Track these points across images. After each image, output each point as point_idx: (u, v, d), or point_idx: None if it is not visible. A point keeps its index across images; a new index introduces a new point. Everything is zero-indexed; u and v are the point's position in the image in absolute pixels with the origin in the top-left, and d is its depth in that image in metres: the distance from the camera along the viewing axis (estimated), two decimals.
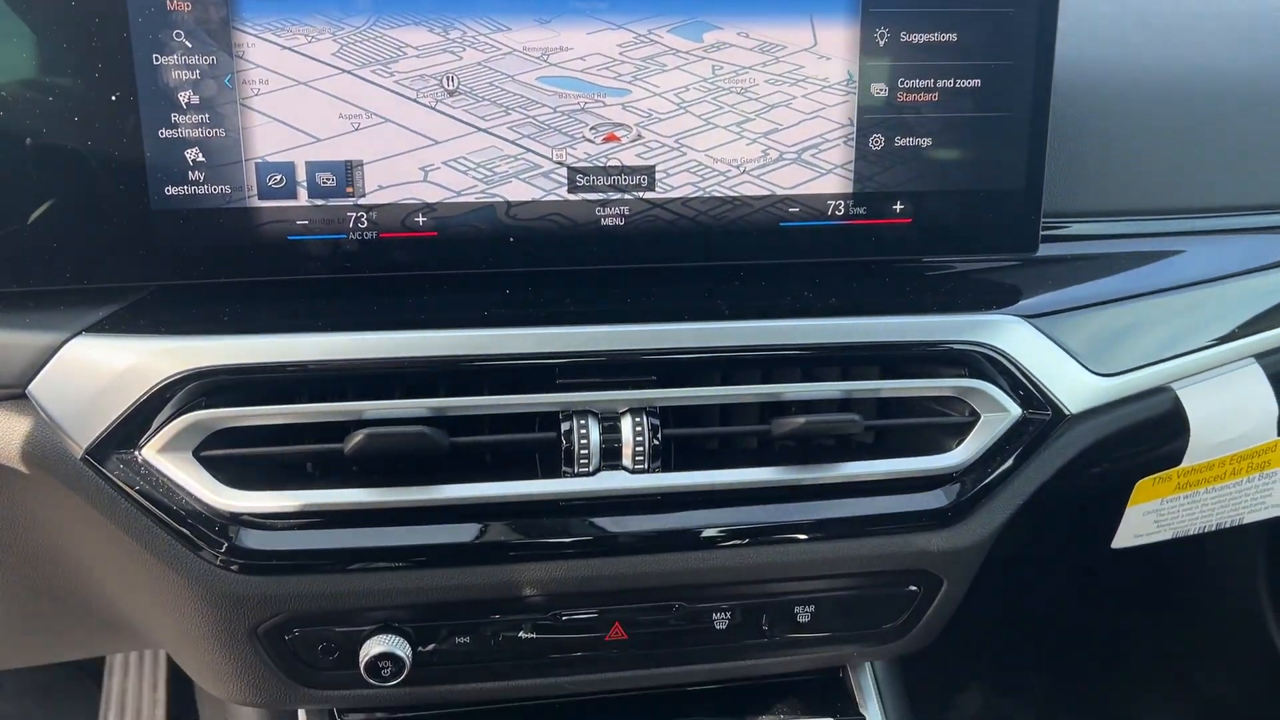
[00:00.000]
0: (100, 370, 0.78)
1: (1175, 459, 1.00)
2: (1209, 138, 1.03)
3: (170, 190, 0.79)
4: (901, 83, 0.87)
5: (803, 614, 0.91)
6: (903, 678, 1.08)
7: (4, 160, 0.76)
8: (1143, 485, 1.01)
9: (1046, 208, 0.92)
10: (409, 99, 0.82)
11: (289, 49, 0.80)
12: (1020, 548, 1.98)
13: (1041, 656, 2.05)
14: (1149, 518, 1.03)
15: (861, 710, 1.01)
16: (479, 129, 0.83)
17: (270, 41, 0.79)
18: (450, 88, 0.82)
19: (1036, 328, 0.90)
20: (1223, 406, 0.99)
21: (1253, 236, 1.02)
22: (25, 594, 0.95)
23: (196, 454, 0.79)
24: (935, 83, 0.87)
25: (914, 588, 0.93)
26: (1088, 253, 0.98)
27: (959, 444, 0.89)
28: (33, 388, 0.78)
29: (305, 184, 0.82)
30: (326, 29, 0.80)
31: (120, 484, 0.78)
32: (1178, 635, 1.91)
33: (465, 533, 0.83)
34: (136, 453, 0.78)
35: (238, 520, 0.80)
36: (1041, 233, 0.91)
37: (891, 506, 0.89)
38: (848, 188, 0.89)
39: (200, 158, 0.80)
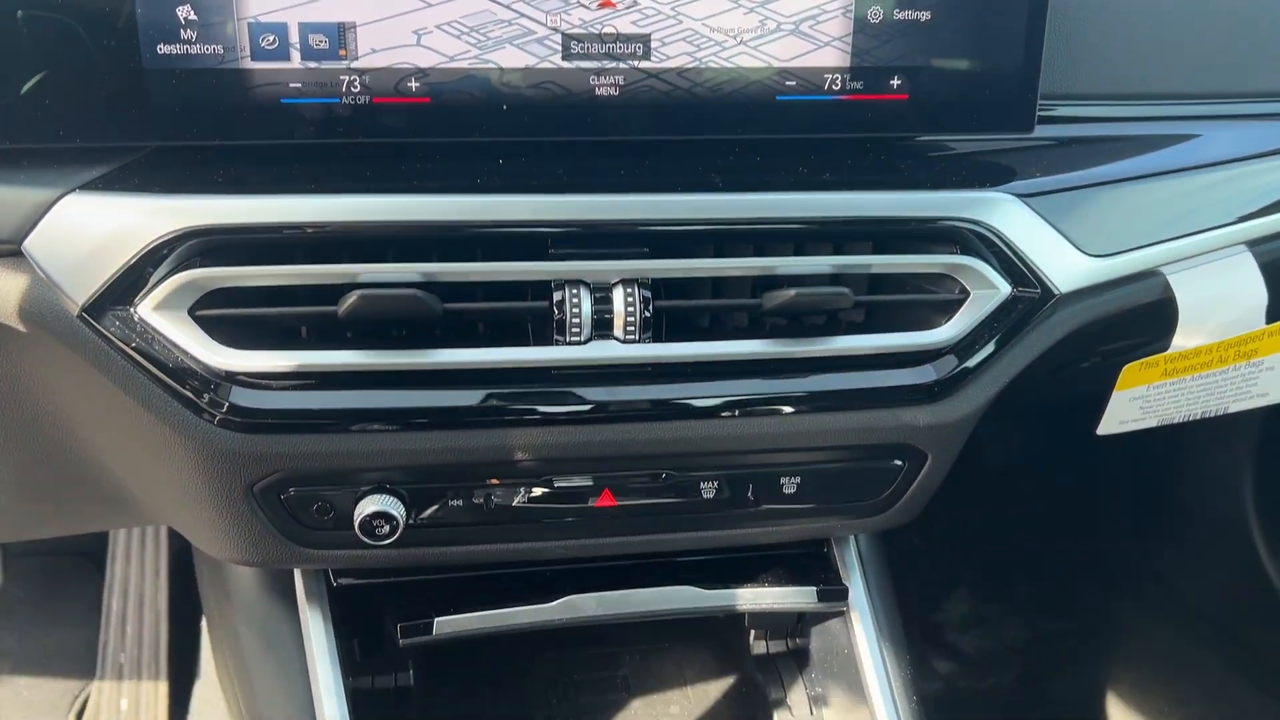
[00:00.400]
0: (95, 227, 0.78)
1: (1163, 346, 1.01)
2: (1211, 22, 1.01)
3: (162, 49, 0.79)
4: None
5: (789, 485, 0.93)
6: (885, 554, 1.10)
7: (11, 27, 0.75)
8: (1129, 370, 1.01)
9: (1045, 89, 0.91)
10: None
11: None
12: (1008, 433, 2.00)
13: (1027, 562, 2.09)
14: (1135, 404, 1.05)
15: (845, 582, 1.04)
16: None
17: None
18: None
19: (1030, 206, 0.90)
20: (1212, 293, 0.99)
21: (1251, 123, 1.02)
22: (27, 460, 0.97)
23: (192, 313, 0.79)
24: None
25: (899, 462, 0.94)
26: (1085, 135, 0.98)
27: (948, 320, 0.89)
28: (28, 244, 0.78)
29: (298, 46, 0.81)
30: None
31: (116, 341, 0.79)
32: (1162, 543, 1.95)
33: (458, 397, 0.84)
34: (132, 310, 0.79)
35: (233, 379, 0.81)
36: (1039, 114, 0.91)
37: (879, 381, 0.90)
38: (845, 61, 0.88)
39: (192, 15, 0.79)
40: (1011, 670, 1.95)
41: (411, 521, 0.87)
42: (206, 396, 0.80)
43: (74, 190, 0.78)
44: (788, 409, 0.89)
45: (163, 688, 1.70)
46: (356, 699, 0.97)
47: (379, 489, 0.86)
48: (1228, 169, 0.99)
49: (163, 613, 1.77)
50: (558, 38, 0.84)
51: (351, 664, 1.00)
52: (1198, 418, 1.08)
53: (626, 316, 0.84)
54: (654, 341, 0.85)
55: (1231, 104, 1.03)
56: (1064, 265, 0.91)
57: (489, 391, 0.84)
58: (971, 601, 2.07)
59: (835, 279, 0.87)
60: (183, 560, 1.86)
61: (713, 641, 1.20)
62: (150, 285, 0.78)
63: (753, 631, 1.15)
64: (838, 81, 0.88)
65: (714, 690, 1.15)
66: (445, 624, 0.96)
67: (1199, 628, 1.87)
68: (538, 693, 1.13)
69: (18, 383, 0.89)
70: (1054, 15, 0.90)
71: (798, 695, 1.11)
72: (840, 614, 1.05)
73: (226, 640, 1.04)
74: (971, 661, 1.97)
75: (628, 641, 1.19)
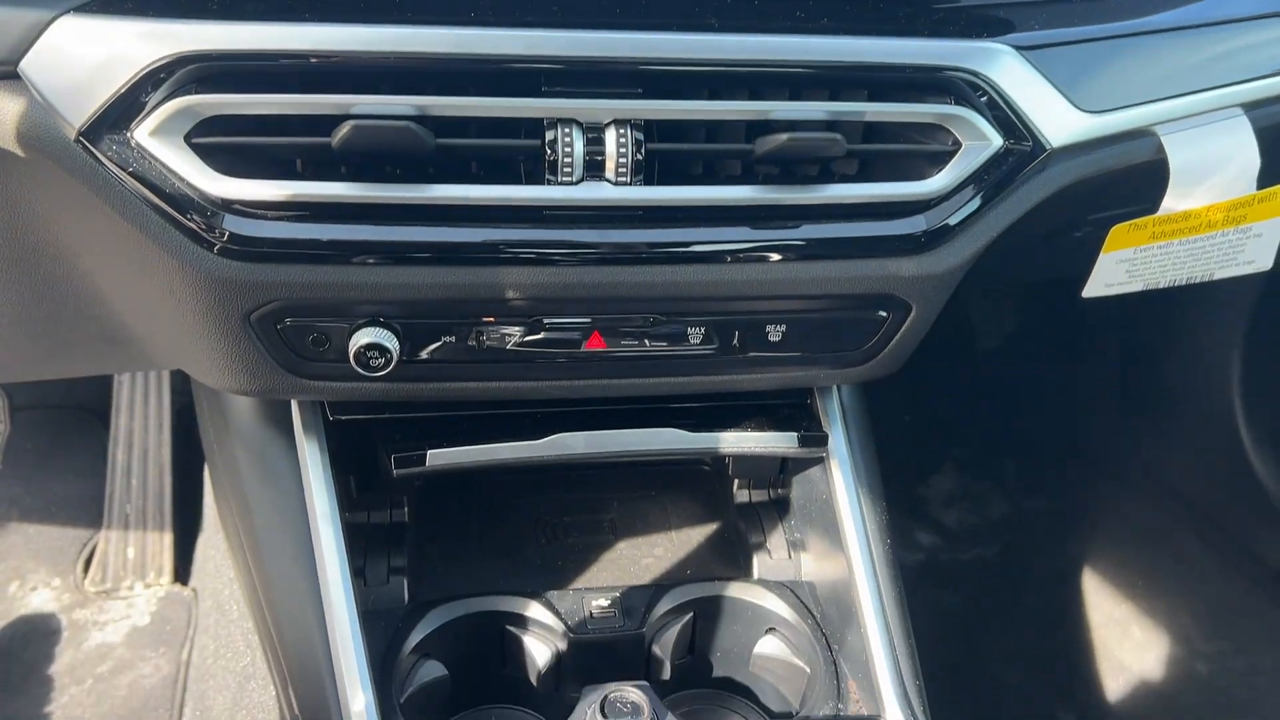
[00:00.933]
0: (91, 50, 0.78)
1: (1153, 209, 1.01)
2: None
3: None
4: None
5: (774, 334, 0.95)
6: (867, 406, 1.12)
7: None
8: (1117, 231, 1.02)
9: None
10: None
11: None
12: (1002, 314, 2.02)
13: (1014, 442, 2.13)
14: (1121, 266, 1.06)
15: (826, 430, 1.06)
16: None
17: None
18: None
19: (1025, 59, 0.90)
20: (1205, 155, 0.99)
21: None
22: (27, 293, 0.98)
23: (188, 140, 0.80)
24: None
25: (883, 313, 0.96)
26: None
27: (938, 171, 0.90)
28: (24, 65, 0.78)
29: None
30: None
31: (113, 166, 0.80)
32: (1148, 427, 1.98)
33: (450, 234, 0.85)
34: (129, 135, 0.80)
35: (229, 207, 0.82)
36: None
37: (868, 230, 0.91)
38: None
39: None
40: (993, 544, 2.00)
41: (405, 357, 0.89)
42: (203, 224, 0.82)
43: (69, 12, 0.78)
44: (776, 256, 0.90)
45: (167, 538, 1.76)
46: (352, 532, 1.01)
47: (373, 322, 0.88)
48: (1232, 29, 0.99)
49: (166, 465, 1.82)
50: None
51: (347, 500, 1.04)
52: (1183, 283, 1.09)
53: (619, 158, 0.85)
54: (645, 184, 0.86)
55: None
56: (1057, 119, 0.92)
57: (481, 228, 0.86)
58: (958, 478, 2.12)
59: (829, 126, 0.88)
60: (185, 415, 1.90)
61: (698, 490, 1.24)
62: (146, 110, 0.79)
63: (736, 481, 1.19)
64: None
65: (697, 535, 1.19)
66: (437, 456, 0.99)
67: (1175, 507, 1.91)
68: (527, 531, 1.17)
69: (17, 212, 0.90)
70: None
71: (777, 539, 1.15)
72: (820, 460, 1.08)
73: (226, 473, 1.08)
74: (955, 535, 2.03)
75: (615, 487, 1.23)
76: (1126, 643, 1.79)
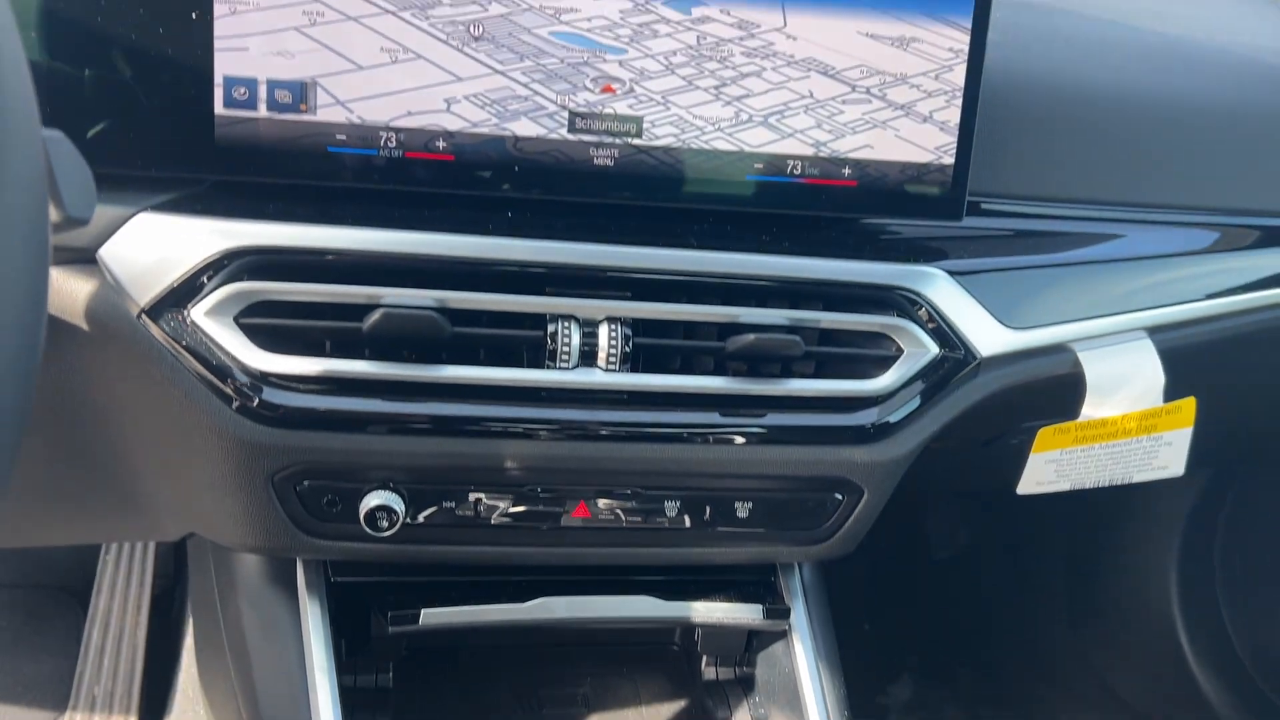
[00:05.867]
0: (162, 241, 0.92)
1: (1075, 416, 1.15)
2: (1118, 143, 1.20)
3: (234, 98, 0.94)
4: (856, 66, 1.03)
5: (741, 510, 1.05)
6: (826, 586, 1.21)
7: (105, 68, 0.90)
8: (1044, 434, 1.16)
9: (976, 186, 1.08)
10: (440, 40, 0.97)
11: None
12: (952, 526, 2.12)
13: (969, 652, 2.19)
14: (1050, 466, 1.18)
15: (788, 604, 1.15)
16: (496, 71, 0.99)
17: None
18: (476, 34, 0.98)
19: (957, 282, 1.06)
20: (1116, 370, 1.14)
21: (1151, 228, 1.19)
22: (61, 454, 1.08)
23: (237, 320, 0.92)
24: (885, 69, 1.03)
25: (839, 495, 1.07)
26: (1011, 228, 1.15)
27: (884, 373, 1.04)
28: (102, 252, 0.91)
29: (346, 104, 0.97)
30: None
31: (170, 340, 0.92)
32: (1095, 637, 2.06)
33: (457, 409, 0.97)
34: (186, 314, 0.92)
35: (266, 380, 0.93)
36: (971, 207, 1.07)
37: (824, 421, 1.03)
38: (805, 151, 1.04)
39: (264, 79, 0.94)
40: None
41: (409, 520, 0.99)
42: (243, 393, 0.93)
43: (146, 209, 0.92)
44: (742, 440, 1.02)
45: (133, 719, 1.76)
46: (341, 694, 1.06)
47: (383, 485, 0.98)
48: (1127, 265, 1.16)
49: (140, 648, 1.84)
50: (565, 114, 1.00)
51: (338, 661, 1.10)
52: (1106, 484, 1.22)
53: (609, 349, 0.98)
54: (631, 372, 0.99)
55: (1137, 211, 1.20)
56: (985, 333, 1.06)
57: (485, 405, 0.98)
58: (915, 688, 2.17)
59: (790, 330, 1.02)
60: (163, 600, 1.93)
61: (667, 667, 1.30)
62: (204, 293, 0.92)
63: (704, 658, 1.26)
64: (798, 167, 1.05)
65: (666, 711, 1.25)
66: (431, 615, 1.06)
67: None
68: (506, 701, 1.22)
69: (67, 379, 1.00)
70: (987, 124, 1.07)
71: (742, 715, 1.21)
72: (783, 634, 1.16)
73: (227, 632, 1.14)
74: None
75: (589, 662, 1.29)
76: None
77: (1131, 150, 1.22)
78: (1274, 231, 1.26)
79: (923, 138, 1.06)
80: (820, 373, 1.05)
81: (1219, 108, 1.28)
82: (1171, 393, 1.17)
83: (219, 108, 0.94)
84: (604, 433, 1.00)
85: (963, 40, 1.04)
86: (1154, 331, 1.16)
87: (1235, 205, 1.26)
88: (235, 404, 0.93)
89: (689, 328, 1.03)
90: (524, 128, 1.00)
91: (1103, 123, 1.21)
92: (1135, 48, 1.31)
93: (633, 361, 0.99)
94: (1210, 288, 1.19)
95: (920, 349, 1.04)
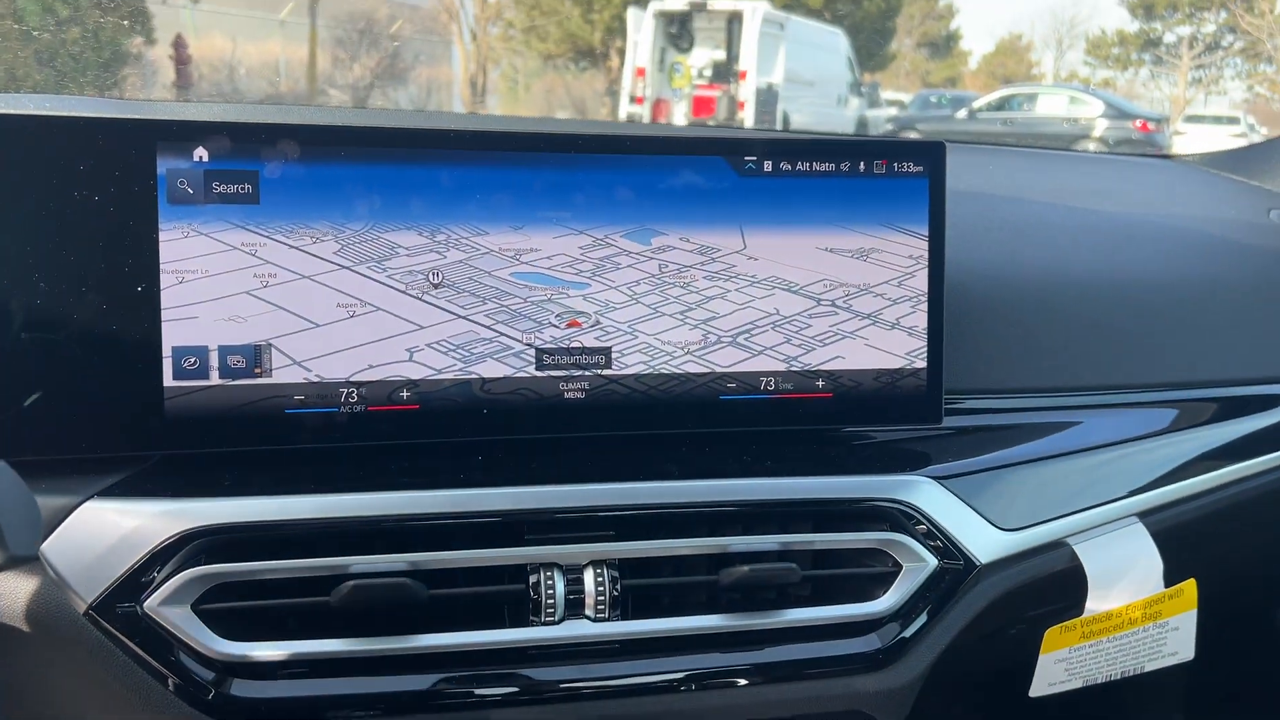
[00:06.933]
0: (109, 531, 0.85)
1: (1080, 610, 1.11)
2: (1080, 327, 1.20)
3: (184, 369, 0.89)
4: (819, 280, 1.02)
5: None
6: None
7: (37, 348, 0.86)
8: (1051, 633, 1.11)
9: (951, 385, 1.07)
10: (399, 290, 0.94)
11: (296, 248, 0.92)
12: (951, 699, 2.03)
13: None
14: (1060, 665, 1.13)
15: None
16: (459, 316, 0.96)
17: (280, 242, 0.92)
18: (435, 281, 0.95)
19: (946, 488, 1.03)
20: (1114, 560, 1.11)
21: (1123, 411, 1.18)
22: None
23: (195, 607, 0.85)
24: (848, 281, 1.03)
25: None
26: (987, 424, 1.13)
27: (885, 592, 0.99)
28: (45, 548, 0.84)
29: (303, 364, 0.92)
30: (330, 232, 0.93)
31: (121, 636, 0.84)
32: None
33: (437, 681, 0.89)
34: (138, 606, 0.84)
35: (229, 669, 0.85)
36: (947, 406, 1.06)
37: (829, 650, 0.98)
38: (777, 366, 1.02)
39: (214, 346, 0.90)
40: None
41: None
42: (202, 686, 0.85)
43: (92, 497, 0.86)
44: (744, 681, 0.96)
45: None
46: None
47: None
48: (1108, 451, 1.14)
49: None
50: (532, 352, 0.97)
51: None
52: (1118, 677, 1.17)
53: (597, 596, 0.92)
54: (622, 618, 0.93)
55: (1105, 394, 1.20)
56: (982, 538, 1.03)
57: (466, 673, 0.90)
58: None
59: (782, 555, 0.97)
60: None
61: None
62: (158, 582, 0.85)
63: None
64: (771, 384, 1.02)
65: None
66: None
67: None
68: None
69: (10, 689, 0.91)
70: (956, 325, 1.07)
71: None
72: None
73: None
74: None
75: None
76: None
77: (1092, 333, 1.23)
78: (1238, 401, 1.27)
79: (893, 344, 1.05)
80: (817, 596, 1.00)
81: (1164, 282, 1.30)
82: (1171, 575, 1.14)
83: (168, 380, 0.89)
84: (598, 690, 0.93)
85: (921, 247, 1.05)
86: (1144, 515, 1.14)
87: (1197, 378, 1.26)
88: (195, 700, 0.85)
89: (678, 562, 0.97)
90: (490, 369, 0.96)
91: (1061, 308, 1.22)
92: (1078, 230, 1.34)
93: (622, 605, 0.93)
94: (1192, 465, 1.18)
95: (918, 562, 1.00)
